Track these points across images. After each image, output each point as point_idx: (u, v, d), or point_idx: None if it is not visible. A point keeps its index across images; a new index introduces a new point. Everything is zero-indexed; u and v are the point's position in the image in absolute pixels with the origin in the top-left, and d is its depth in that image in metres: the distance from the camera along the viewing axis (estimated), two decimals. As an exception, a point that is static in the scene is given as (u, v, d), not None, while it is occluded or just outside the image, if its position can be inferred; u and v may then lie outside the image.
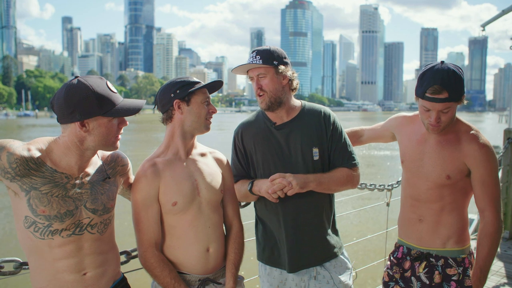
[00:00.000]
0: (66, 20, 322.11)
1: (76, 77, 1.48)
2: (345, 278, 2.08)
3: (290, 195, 1.91)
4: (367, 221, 10.44)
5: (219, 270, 1.90)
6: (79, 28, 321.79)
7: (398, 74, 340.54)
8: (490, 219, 1.90)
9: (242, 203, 2.40)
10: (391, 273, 2.19)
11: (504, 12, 6.70)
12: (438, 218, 2.02)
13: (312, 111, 2.08)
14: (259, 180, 2.03)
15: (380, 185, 3.51)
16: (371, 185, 3.45)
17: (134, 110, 1.53)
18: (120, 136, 1.57)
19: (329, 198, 2.11)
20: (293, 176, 1.90)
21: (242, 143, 2.12)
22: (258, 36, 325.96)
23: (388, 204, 3.58)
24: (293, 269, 2.03)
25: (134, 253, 2.03)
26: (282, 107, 2.01)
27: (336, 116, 2.12)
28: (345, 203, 9.68)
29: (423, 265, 2.06)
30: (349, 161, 2.06)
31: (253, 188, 2.02)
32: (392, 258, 2.22)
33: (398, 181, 3.56)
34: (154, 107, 1.87)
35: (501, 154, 4.96)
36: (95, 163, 1.62)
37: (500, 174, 5.27)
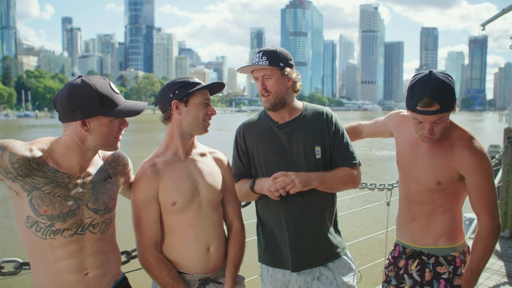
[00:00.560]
0: (66, 20, 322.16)
1: (80, 76, 1.49)
2: (348, 279, 2.07)
3: (293, 193, 1.91)
4: (368, 221, 10.44)
5: (219, 269, 1.90)
6: (79, 29, 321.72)
7: (398, 74, 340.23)
8: (485, 223, 1.90)
9: (243, 203, 2.39)
10: (387, 272, 2.21)
11: (504, 11, 6.70)
12: (430, 218, 2.03)
13: (314, 111, 2.10)
14: (261, 178, 2.03)
15: (380, 185, 3.51)
16: (371, 184, 3.44)
17: (136, 112, 1.53)
18: (120, 137, 1.58)
19: (332, 197, 2.11)
20: (295, 174, 1.91)
21: (244, 142, 2.12)
22: (258, 36, 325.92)
23: (388, 204, 3.58)
24: (296, 268, 2.03)
25: (134, 253, 2.02)
26: (285, 107, 2.02)
27: (338, 116, 2.14)
28: (345, 203, 9.68)
29: (415, 263, 2.08)
30: (351, 161, 2.07)
31: (255, 187, 2.02)
32: (389, 257, 2.24)
33: (397, 181, 3.55)
34: (155, 106, 1.87)
35: (501, 153, 4.96)
36: (97, 163, 1.62)
37: (500, 173, 5.28)
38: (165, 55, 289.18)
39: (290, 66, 1.99)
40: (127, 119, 1.57)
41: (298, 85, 2.04)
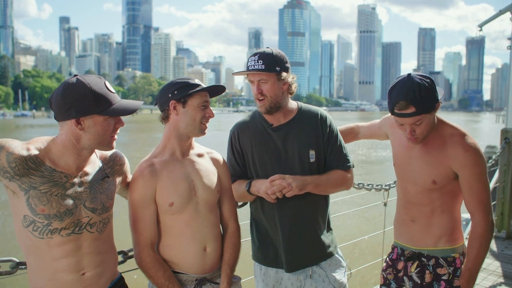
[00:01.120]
0: (64, 20, 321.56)
1: (75, 75, 1.49)
2: (339, 276, 2.09)
3: (289, 196, 1.92)
4: (365, 221, 10.45)
5: (216, 270, 1.90)
6: (76, 28, 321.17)
7: (396, 74, 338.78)
8: (478, 221, 1.90)
9: (239, 203, 2.40)
10: (385, 275, 2.21)
11: (501, 12, 6.71)
12: (429, 220, 2.03)
13: (309, 113, 2.09)
14: (257, 180, 2.03)
15: (377, 185, 3.51)
16: (368, 185, 3.45)
17: (131, 111, 1.53)
18: (116, 136, 1.57)
19: (325, 199, 2.13)
20: (292, 177, 1.91)
21: (239, 144, 2.12)
22: (256, 36, 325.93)
23: (385, 204, 3.59)
24: (291, 269, 2.04)
25: (131, 253, 2.02)
26: (280, 110, 2.02)
27: (332, 118, 2.13)
28: (342, 203, 9.68)
29: (415, 265, 2.07)
30: (344, 164, 2.08)
31: (251, 189, 2.02)
32: (387, 259, 2.24)
33: (395, 181, 3.55)
34: (155, 105, 1.87)
35: (498, 154, 4.97)
36: (94, 162, 1.62)
37: (497, 174, 5.29)
38: (162, 55, 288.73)
39: (286, 69, 1.98)
40: (123, 119, 1.57)
41: (294, 87, 2.03)
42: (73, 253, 1.51)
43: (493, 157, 4.89)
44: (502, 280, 4.00)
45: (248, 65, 1.95)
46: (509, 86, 6.45)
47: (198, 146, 1.96)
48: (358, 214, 10.37)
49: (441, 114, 1.99)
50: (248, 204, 2.24)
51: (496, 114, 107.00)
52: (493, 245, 4.81)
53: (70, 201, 1.49)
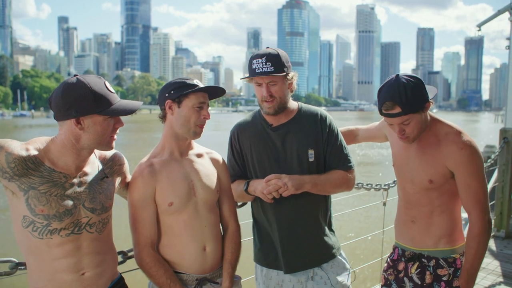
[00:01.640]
0: (63, 20, 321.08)
1: (75, 75, 1.49)
2: (342, 278, 2.07)
3: (285, 196, 1.91)
4: (364, 221, 10.45)
5: (216, 269, 1.90)
6: (75, 28, 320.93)
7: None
8: (475, 221, 1.89)
9: (239, 203, 2.40)
10: (386, 276, 2.21)
11: (499, 12, 6.74)
12: (429, 220, 2.02)
13: (309, 113, 2.08)
14: (255, 180, 2.03)
15: (376, 185, 3.52)
16: (367, 184, 3.45)
17: (130, 111, 1.53)
18: (115, 136, 1.58)
19: (325, 199, 2.11)
20: (288, 177, 1.90)
21: (238, 144, 2.12)
22: (254, 36, 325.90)
23: (384, 204, 3.60)
24: (289, 271, 2.03)
25: (130, 253, 2.01)
26: (284, 110, 2.03)
27: (332, 118, 2.12)
28: (341, 203, 9.69)
29: (415, 265, 2.07)
30: (345, 164, 2.06)
31: (248, 188, 2.02)
32: (388, 260, 2.24)
33: (394, 181, 3.56)
34: (157, 103, 1.88)
35: (497, 153, 4.97)
36: (93, 162, 1.62)
37: (496, 173, 5.30)
38: (161, 54, 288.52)
39: (290, 68, 1.99)
40: (122, 119, 1.57)
41: (294, 84, 2.04)
42: (73, 253, 1.51)
43: (492, 156, 4.90)
44: (501, 279, 4.00)
45: (255, 67, 1.92)
46: (507, 86, 6.46)
47: (197, 146, 1.96)
48: (357, 214, 10.36)
49: (439, 114, 1.80)
50: (250, 204, 2.24)
51: (495, 113, 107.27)
52: (492, 245, 4.82)
53: (69, 202, 1.49)
